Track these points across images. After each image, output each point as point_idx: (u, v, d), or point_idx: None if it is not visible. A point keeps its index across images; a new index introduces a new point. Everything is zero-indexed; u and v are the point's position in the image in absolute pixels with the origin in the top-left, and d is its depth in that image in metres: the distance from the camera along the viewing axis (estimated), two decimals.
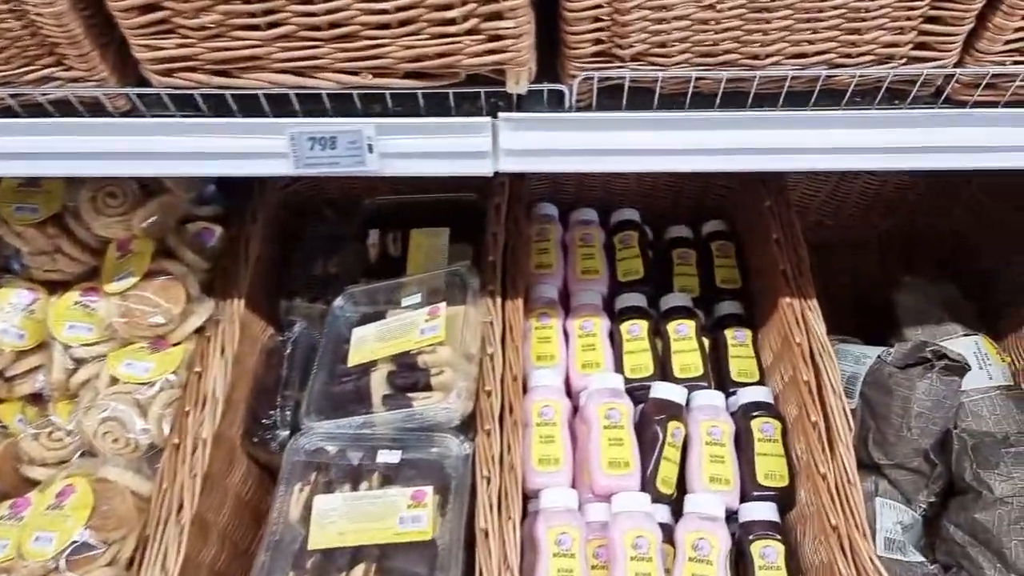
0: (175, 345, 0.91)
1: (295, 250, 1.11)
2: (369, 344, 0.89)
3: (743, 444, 0.96)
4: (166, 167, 0.72)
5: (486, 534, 0.77)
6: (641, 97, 0.70)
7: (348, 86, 0.66)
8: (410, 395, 0.84)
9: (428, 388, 0.84)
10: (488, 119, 0.68)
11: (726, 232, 1.20)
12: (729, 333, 1.08)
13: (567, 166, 0.70)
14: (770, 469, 0.93)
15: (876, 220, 1.33)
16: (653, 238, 1.22)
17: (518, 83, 0.65)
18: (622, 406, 0.92)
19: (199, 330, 0.93)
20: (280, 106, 0.69)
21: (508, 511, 0.80)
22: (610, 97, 0.70)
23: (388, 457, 0.83)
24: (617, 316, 1.06)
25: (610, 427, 0.89)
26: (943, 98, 0.70)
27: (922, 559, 0.91)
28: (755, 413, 0.97)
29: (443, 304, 0.89)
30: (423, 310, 0.90)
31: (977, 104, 0.70)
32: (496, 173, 0.70)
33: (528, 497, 0.90)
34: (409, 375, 0.85)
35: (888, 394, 0.95)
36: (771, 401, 0.99)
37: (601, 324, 1.04)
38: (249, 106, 0.69)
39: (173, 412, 0.88)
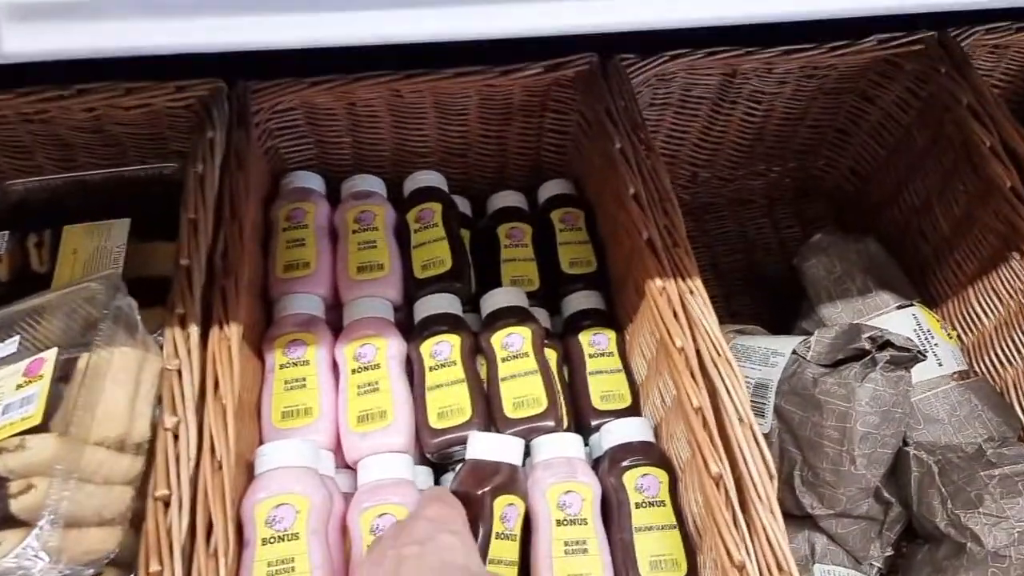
0: None
1: None
2: None
3: (613, 513, 0.61)
4: None
5: None
6: None
7: None
8: None
9: (6, 520, 0.44)
10: None
11: (571, 196, 0.86)
12: (585, 339, 0.74)
13: (157, 38, 0.31)
14: (657, 554, 0.59)
15: (760, 166, 1.04)
16: (473, 215, 0.86)
17: None
18: (400, 509, 0.56)
19: None
20: None
21: None
22: None
23: None
24: (417, 333, 0.70)
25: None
26: None
27: None
28: (629, 461, 0.63)
29: (52, 352, 0.49)
30: (18, 366, 0.49)
31: None
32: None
33: None
34: None
35: (816, 409, 0.63)
36: (650, 438, 0.65)
37: (388, 348, 0.67)
38: None
39: None
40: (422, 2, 0.33)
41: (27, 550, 0.40)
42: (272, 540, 0.52)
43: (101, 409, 0.47)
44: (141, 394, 0.51)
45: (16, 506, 0.44)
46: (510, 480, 0.60)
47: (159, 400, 0.53)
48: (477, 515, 0.58)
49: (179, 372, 0.55)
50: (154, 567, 0.47)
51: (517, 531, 0.60)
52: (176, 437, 0.52)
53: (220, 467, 0.52)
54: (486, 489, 0.59)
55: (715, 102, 0.91)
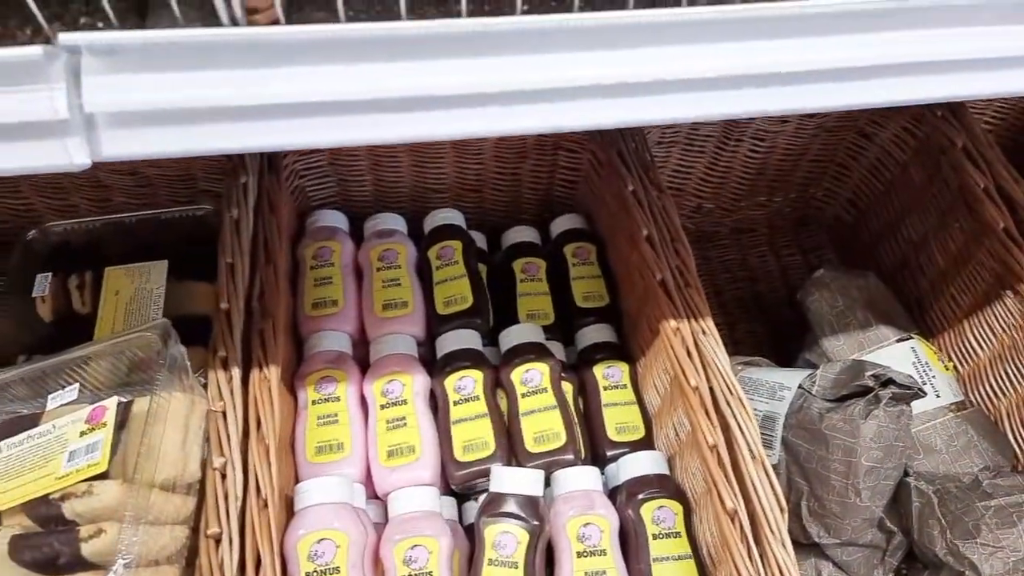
0: None
1: None
2: None
3: (631, 544, 0.65)
4: None
5: None
6: (378, 1, 0.37)
7: None
8: None
9: (77, 564, 0.47)
10: (45, 50, 0.32)
11: (583, 231, 0.89)
12: (599, 372, 0.77)
13: (231, 140, 0.35)
14: None
15: (762, 198, 1.08)
16: (488, 249, 0.90)
17: None
18: (430, 541, 0.59)
19: None
20: None
21: None
22: (320, 3, 0.36)
23: None
24: (440, 368, 0.73)
25: None
26: None
27: None
28: (645, 494, 0.66)
29: (113, 400, 0.52)
30: (80, 413, 0.52)
31: None
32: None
33: None
34: (45, 543, 0.47)
35: (823, 444, 0.67)
36: (664, 470, 0.69)
37: (414, 384, 0.70)
38: None
39: None
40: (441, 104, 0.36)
41: None
42: (315, 574, 0.55)
43: (159, 453, 0.50)
44: (191, 436, 0.54)
45: (87, 550, 0.46)
46: (531, 510, 0.63)
47: (206, 440, 0.56)
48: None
49: (224, 414, 0.58)
50: None
51: (518, 559, 0.62)
52: (223, 476, 0.55)
53: (265, 505, 0.55)
54: (506, 522, 0.62)
55: (720, 140, 0.95)
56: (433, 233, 0.82)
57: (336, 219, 0.82)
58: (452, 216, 0.84)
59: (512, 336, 0.76)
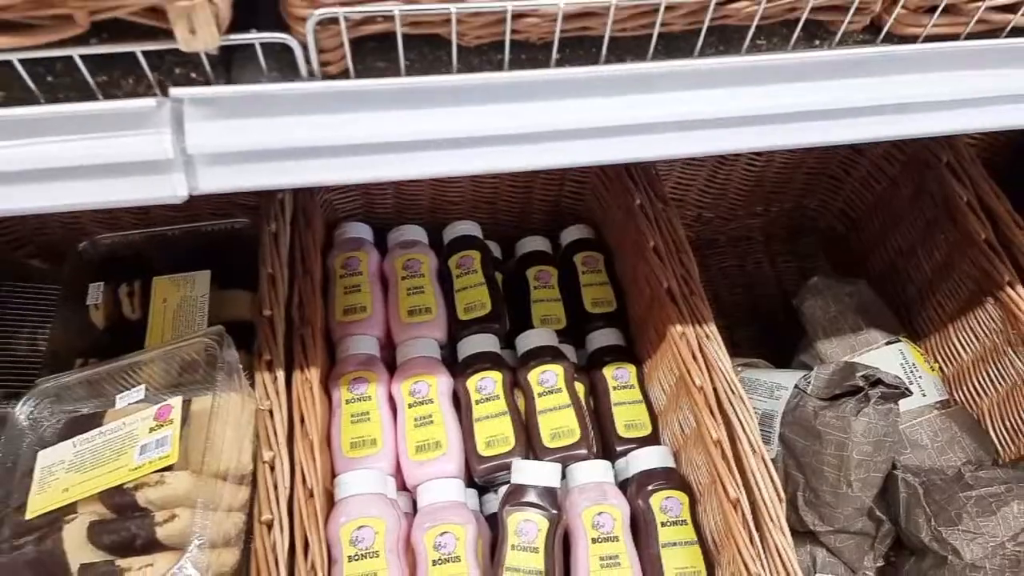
0: None
1: None
2: (62, 477, 0.56)
3: (642, 531, 0.70)
4: None
5: None
6: (435, 52, 0.42)
7: None
8: (123, 562, 0.52)
9: (152, 546, 0.52)
10: (158, 101, 0.38)
11: (591, 240, 0.95)
12: (608, 373, 0.83)
13: (308, 175, 0.41)
14: (682, 566, 0.68)
15: (759, 208, 1.13)
16: (502, 257, 0.95)
17: (194, 31, 0.35)
18: (457, 528, 0.65)
19: None
20: None
21: None
22: (379, 54, 0.42)
23: None
24: (461, 369, 0.78)
25: (441, 561, 0.61)
26: (883, 33, 0.47)
27: None
28: (654, 486, 0.72)
29: (178, 399, 0.58)
30: (147, 411, 0.58)
31: (931, 38, 0.47)
32: (192, 197, 0.40)
33: None
34: (122, 527, 0.53)
35: (817, 439, 0.73)
36: (671, 464, 0.74)
37: (439, 385, 0.76)
38: None
39: None
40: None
41: (183, 569, 0.49)
42: (356, 557, 0.61)
43: (219, 447, 0.56)
44: (244, 432, 0.60)
45: (162, 533, 0.52)
46: (550, 501, 0.69)
47: (256, 436, 0.62)
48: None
49: (270, 412, 0.63)
50: None
51: (539, 544, 0.68)
52: (272, 468, 0.61)
53: (311, 495, 0.60)
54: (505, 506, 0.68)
55: (720, 155, 1.01)
56: (453, 243, 0.88)
57: (362, 231, 0.87)
58: (470, 228, 0.90)
59: (528, 340, 0.81)
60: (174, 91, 0.37)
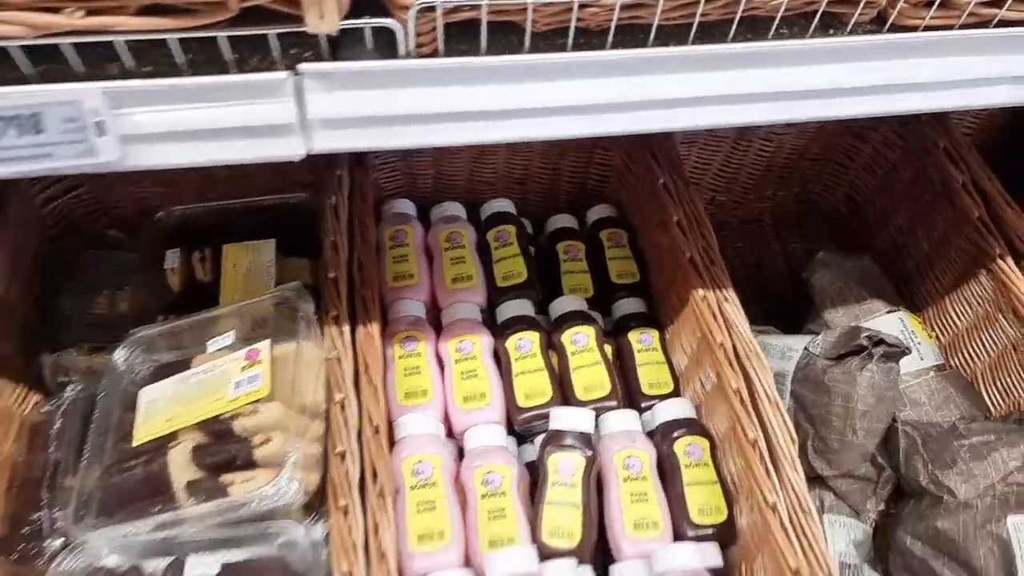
0: None
1: (66, 284, 0.83)
2: (164, 410, 0.63)
3: (668, 473, 0.78)
4: None
5: None
6: (506, 37, 0.50)
7: (49, 31, 0.42)
8: (225, 477, 0.60)
9: (251, 464, 0.60)
10: (287, 75, 0.46)
11: (616, 218, 1.03)
12: (633, 337, 0.90)
13: (405, 139, 0.48)
14: (704, 502, 0.75)
15: (769, 191, 1.21)
16: (533, 232, 1.03)
17: (323, 16, 0.43)
18: (503, 467, 0.72)
19: None
20: None
21: None
22: (464, 37, 0.49)
23: (202, 568, 0.58)
24: (501, 330, 0.86)
25: (489, 496, 0.69)
26: (888, 24, 0.55)
27: None
28: (677, 433, 0.80)
29: (266, 343, 0.66)
30: (237, 354, 0.66)
31: (929, 28, 0.55)
32: (309, 156, 0.48)
33: None
34: (222, 449, 0.61)
35: (825, 393, 0.80)
36: (693, 415, 0.82)
37: (482, 343, 0.84)
38: None
39: None
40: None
41: (281, 480, 0.56)
42: (417, 486, 0.68)
43: (302, 386, 0.63)
44: (317, 375, 0.68)
45: (259, 454, 0.59)
46: (586, 442, 0.77)
47: (327, 380, 0.69)
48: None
49: (338, 360, 0.71)
50: (342, 502, 0.63)
51: (576, 480, 0.75)
52: (342, 408, 0.68)
53: (377, 431, 0.68)
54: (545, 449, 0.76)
55: (735, 140, 1.09)
56: (491, 219, 0.96)
57: (407, 207, 0.95)
58: (506, 204, 0.97)
59: (561, 305, 0.89)
60: (301, 66, 0.45)
